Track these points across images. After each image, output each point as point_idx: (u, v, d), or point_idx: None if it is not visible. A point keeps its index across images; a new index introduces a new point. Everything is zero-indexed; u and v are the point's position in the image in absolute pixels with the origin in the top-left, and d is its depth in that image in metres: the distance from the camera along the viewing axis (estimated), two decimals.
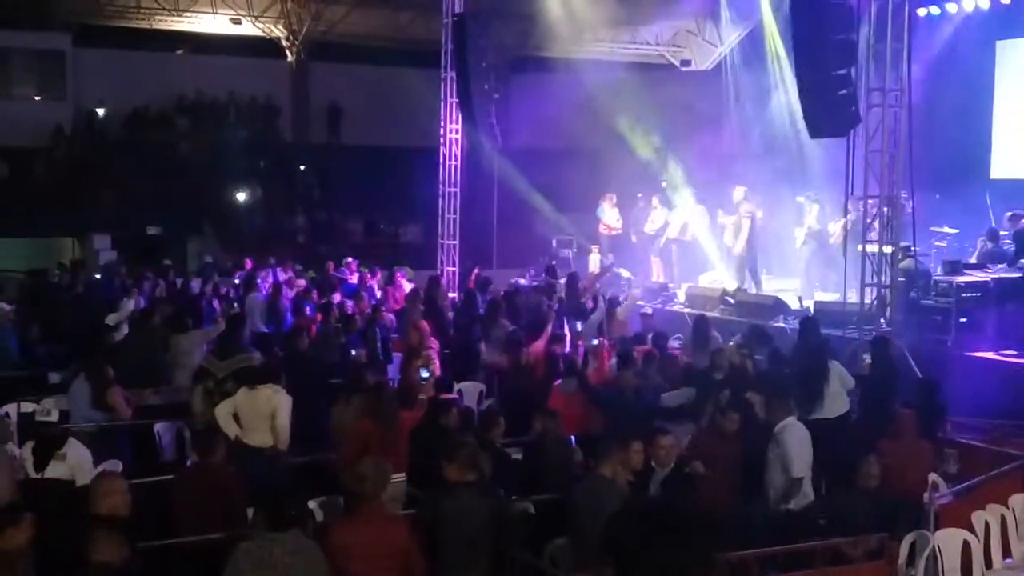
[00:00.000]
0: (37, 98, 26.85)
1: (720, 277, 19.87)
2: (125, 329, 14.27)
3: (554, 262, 20.69)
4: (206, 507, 8.10)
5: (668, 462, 8.64)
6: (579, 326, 13.80)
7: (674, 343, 14.46)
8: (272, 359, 11.41)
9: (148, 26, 26.41)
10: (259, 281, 17.78)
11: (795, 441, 9.21)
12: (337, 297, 16.58)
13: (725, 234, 19.76)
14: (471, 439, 7.99)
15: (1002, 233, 16.08)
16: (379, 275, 19.59)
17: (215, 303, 16.68)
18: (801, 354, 11.82)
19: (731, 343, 13.36)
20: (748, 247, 19.21)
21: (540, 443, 9.57)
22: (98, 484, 7.05)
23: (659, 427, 9.15)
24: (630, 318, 15.57)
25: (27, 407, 11.65)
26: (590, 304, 15.67)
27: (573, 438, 10.25)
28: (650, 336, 14.00)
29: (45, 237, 24.80)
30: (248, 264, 20.08)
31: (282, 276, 19.12)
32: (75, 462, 8.45)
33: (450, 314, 16.32)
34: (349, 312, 15.46)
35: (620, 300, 16.19)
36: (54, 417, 8.87)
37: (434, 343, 13.46)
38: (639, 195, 22.21)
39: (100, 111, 27.03)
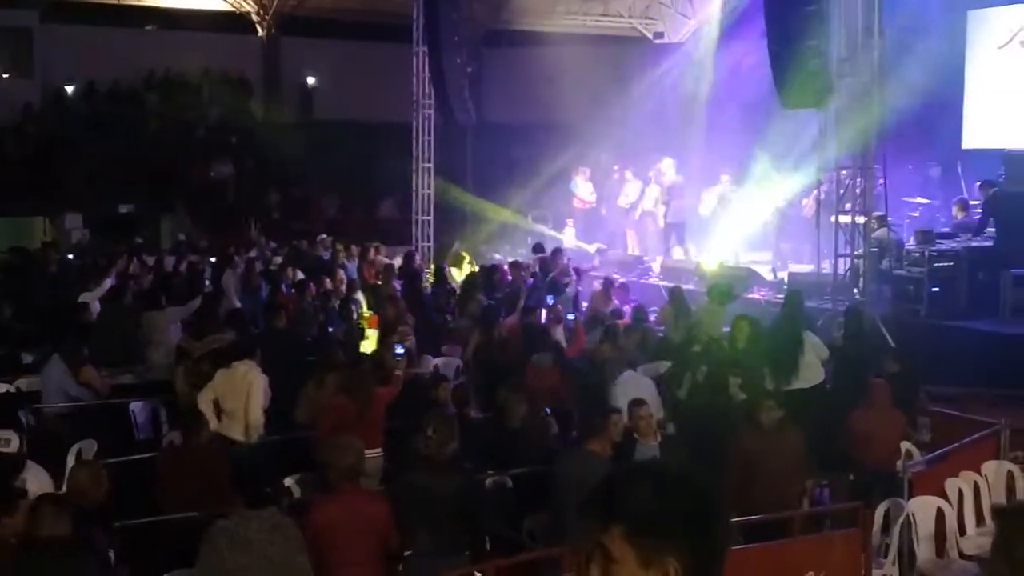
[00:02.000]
0: (5, 76, 26.52)
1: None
2: (98, 307, 14.18)
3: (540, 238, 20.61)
4: (191, 486, 8.10)
5: (648, 432, 8.67)
6: (549, 300, 13.81)
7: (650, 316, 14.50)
8: (246, 336, 11.34)
9: (117, 1, 26.10)
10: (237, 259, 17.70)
11: (619, 392, 9.86)
12: (300, 274, 16.52)
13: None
14: (446, 414, 8.00)
15: (973, 203, 16.18)
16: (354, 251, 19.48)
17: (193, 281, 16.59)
18: (778, 325, 11.89)
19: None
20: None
21: (501, 417, 9.56)
22: (78, 474, 6.99)
23: (636, 399, 9.18)
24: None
25: (1, 387, 11.62)
26: (565, 280, 15.69)
27: (548, 410, 10.28)
28: (626, 308, 14.05)
29: (15, 216, 24.54)
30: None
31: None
32: (36, 489, 7.55)
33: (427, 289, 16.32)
34: (325, 289, 15.41)
35: (615, 281, 16.06)
36: (13, 447, 8.41)
37: (410, 318, 13.44)
38: (615, 167, 22.20)
39: (69, 88, 26.73)
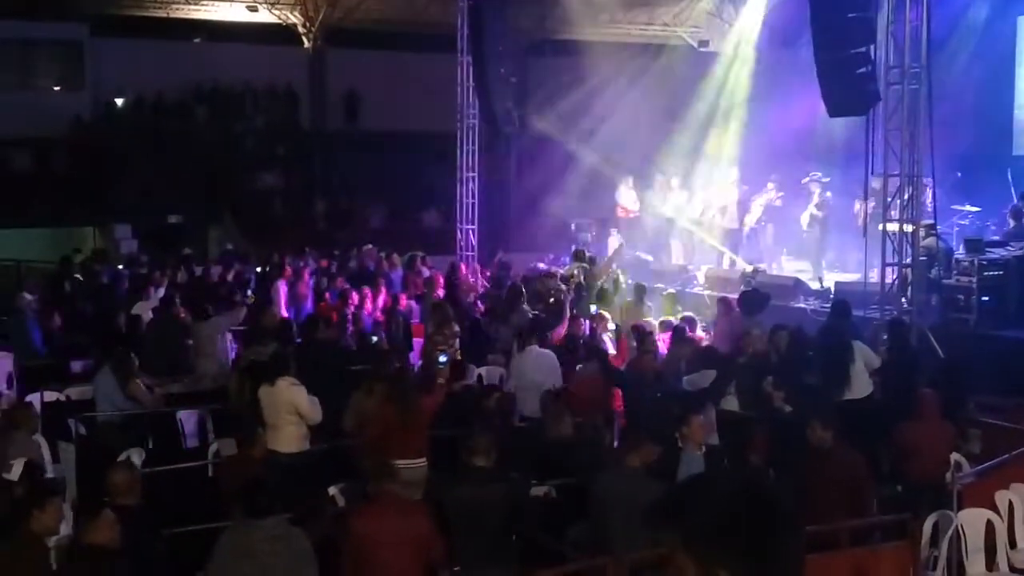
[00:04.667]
0: (56, 89, 26.95)
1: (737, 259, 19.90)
2: (150, 316, 14.37)
3: (584, 246, 20.61)
4: None
5: (700, 442, 8.56)
6: (592, 309, 13.79)
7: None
8: (286, 348, 11.38)
9: (165, 15, 26.44)
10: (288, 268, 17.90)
11: (519, 365, 11.30)
12: (340, 281, 16.70)
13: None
14: (486, 425, 8.00)
15: None
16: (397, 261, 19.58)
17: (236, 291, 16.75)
18: (826, 335, 11.75)
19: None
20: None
21: (543, 425, 9.53)
22: (114, 475, 7.09)
23: (692, 407, 9.05)
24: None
25: (50, 396, 11.77)
26: (609, 286, 15.66)
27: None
28: (674, 320, 13.97)
29: (66, 227, 24.92)
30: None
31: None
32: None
33: (471, 298, 16.35)
34: (370, 298, 15.54)
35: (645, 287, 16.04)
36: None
37: (455, 328, 13.45)
38: (658, 176, 22.14)
39: (119, 101, 27.12)
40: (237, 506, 6.46)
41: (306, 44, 28.19)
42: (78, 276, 17.99)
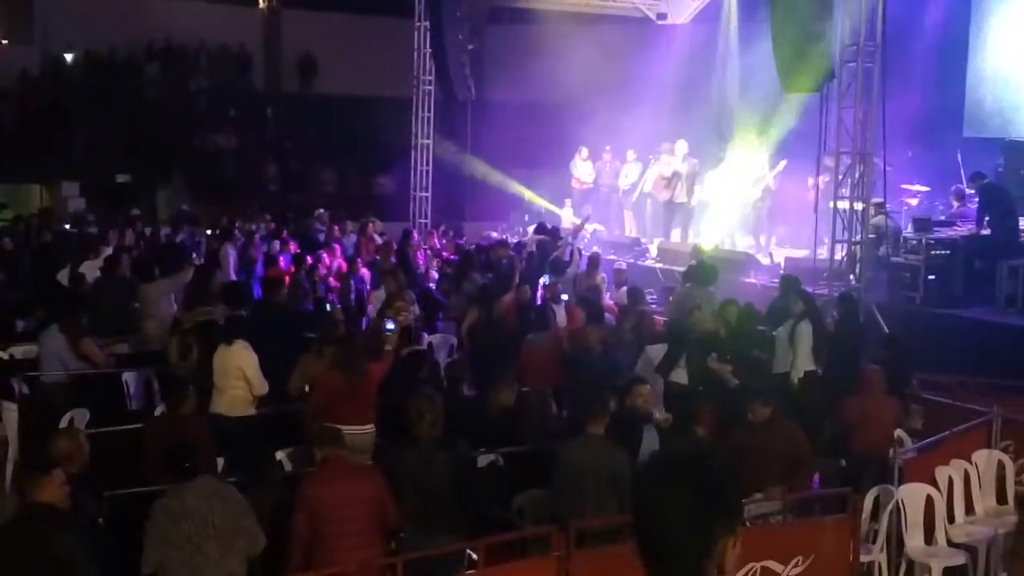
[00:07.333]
0: (4, 42, 26.41)
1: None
2: (96, 276, 14.16)
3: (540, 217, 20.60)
4: None
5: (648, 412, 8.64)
6: (546, 279, 13.77)
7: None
8: (239, 311, 11.26)
9: None
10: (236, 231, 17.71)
11: None
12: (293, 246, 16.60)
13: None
14: (434, 393, 7.97)
15: (969, 191, 16.14)
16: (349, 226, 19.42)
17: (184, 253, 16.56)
18: (812, 307, 11.85)
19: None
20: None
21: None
22: (59, 441, 7.00)
23: (635, 377, 9.16)
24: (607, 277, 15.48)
25: None
26: (566, 258, 15.62)
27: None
28: (623, 291, 14.01)
29: (12, 184, 24.46)
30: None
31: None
32: None
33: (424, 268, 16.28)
34: (323, 263, 15.43)
35: (599, 258, 16.04)
36: None
37: (410, 295, 13.34)
38: (607, 148, 22.16)
39: (68, 56, 26.61)
40: (167, 471, 6.44)
41: (261, 4, 27.85)
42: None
